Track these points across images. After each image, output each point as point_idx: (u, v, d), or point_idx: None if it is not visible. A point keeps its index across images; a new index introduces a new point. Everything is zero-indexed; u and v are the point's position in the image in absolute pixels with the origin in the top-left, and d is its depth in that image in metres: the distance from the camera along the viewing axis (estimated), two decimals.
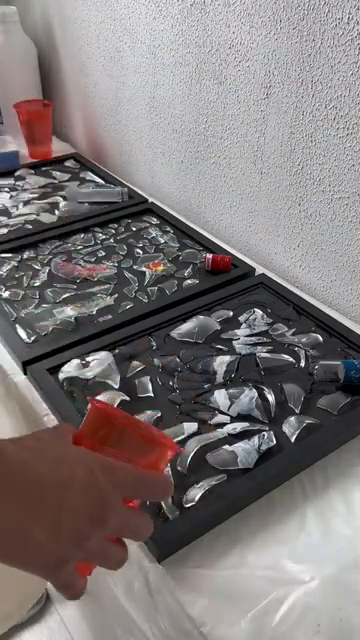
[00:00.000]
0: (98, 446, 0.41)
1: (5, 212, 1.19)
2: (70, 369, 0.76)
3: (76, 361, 0.77)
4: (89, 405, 0.44)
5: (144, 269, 1.00)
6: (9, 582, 0.97)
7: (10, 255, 1.04)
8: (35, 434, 0.41)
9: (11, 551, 0.35)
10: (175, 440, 0.67)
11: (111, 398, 0.72)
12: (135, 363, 0.78)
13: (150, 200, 1.23)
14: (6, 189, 1.29)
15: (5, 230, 1.12)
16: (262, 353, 0.80)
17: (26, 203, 1.23)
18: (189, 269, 1.00)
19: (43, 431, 0.42)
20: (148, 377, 0.76)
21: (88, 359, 0.77)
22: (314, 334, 0.84)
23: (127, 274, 0.99)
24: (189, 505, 0.59)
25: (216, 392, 0.73)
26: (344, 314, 0.93)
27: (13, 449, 0.36)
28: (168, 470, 0.63)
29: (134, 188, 1.28)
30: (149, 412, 0.70)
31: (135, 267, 1.01)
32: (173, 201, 1.27)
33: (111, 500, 0.38)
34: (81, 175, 1.36)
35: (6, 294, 0.93)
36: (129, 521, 0.40)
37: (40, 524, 0.35)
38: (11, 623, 1.11)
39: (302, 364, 0.79)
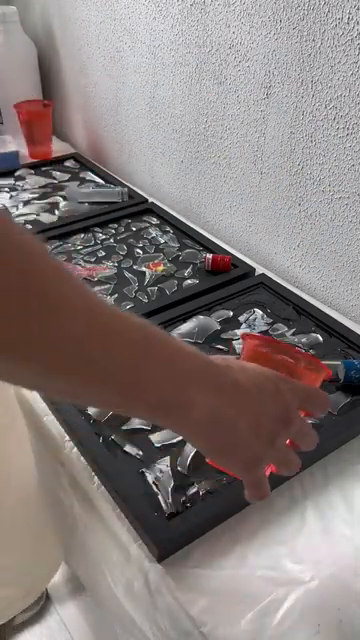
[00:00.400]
0: None
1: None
2: None
3: None
4: (246, 340, 0.51)
5: (144, 269, 1.00)
6: (17, 568, 0.97)
7: None
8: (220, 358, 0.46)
9: (223, 443, 0.42)
10: (175, 440, 0.67)
11: None
12: None
13: (150, 200, 1.23)
14: (6, 189, 1.29)
15: None
16: None
17: (26, 203, 1.23)
18: (189, 269, 1.00)
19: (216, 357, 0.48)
20: None
21: None
22: (314, 334, 0.84)
23: (127, 274, 0.99)
24: (189, 505, 0.59)
25: None
26: (344, 314, 0.93)
27: (219, 361, 0.43)
28: None
29: (134, 188, 1.29)
30: None
31: (135, 267, 1.01)
32: (173, 201, 1.27)
33: (292, 405, 0.44)
34: (81, 175, 1.36)
35: None
36: (304, 426, 0.46)
37: (246, 421, 0.41)
38: (14, 612, 1.10)
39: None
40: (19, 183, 1.32)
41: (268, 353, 0.49)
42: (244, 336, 0.50)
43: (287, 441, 0.45)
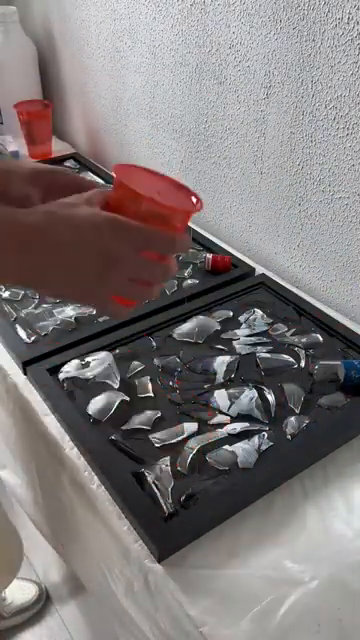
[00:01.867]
0: (119, 209, 0.48)
1: None
2: (70, 369, 0.76)
3: (76, 361, 0.77)
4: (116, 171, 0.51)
5: None
6: None
7: None
8: (62, 199, 0.48)
9: (48, 292, 0.50)
10: (175, 440, 0.67)
11: (111, 399, 0.72)
12: (135, 363, 0.78)
13: None
14: None
15: None
16: (262, 353, 0.80)
17: None
18: (189, 269, 1.00)
19: (72, 197, 0.49)
20: (148, 377, 0.76)
21: (88, 359, 0.77)
22: (314, 334, 0.84)
23: None
24: (189, 505, 0.59)
25: (216, 392, 0.73)
26: (344, 314, 0.93)
27: (39, 218, 0.44)
28: None
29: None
30: (149, 412, 0.70)
31: None
32: None
33: (119, 251, 0.46)
34: (81, 175, 1.36)
35: (6, 294, 0.93)
36: (143, 266, 0.48)
37: (62, 273, 0.45)
38: None
39: (302, 364, 0.79)
40: None
41: (133, 191, 0.49)
42: (115, 166, 0.52)
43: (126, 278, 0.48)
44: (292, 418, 0.70)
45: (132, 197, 0.48)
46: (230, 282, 0.96)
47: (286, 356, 0.80)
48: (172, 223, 0.49)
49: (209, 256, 0.99)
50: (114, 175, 0.50)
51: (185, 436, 0.67)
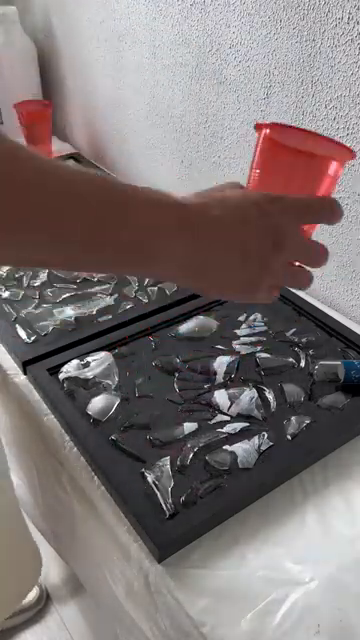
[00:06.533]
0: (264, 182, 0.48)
1: None
2: (70, 369, 0.76)
3: (76, 361, 0.77)
4: (261, 131, 0.48)
5: None
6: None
7: None
8: (207, 191, 0.46)
9: (209, 282, 0.43)
10: (175, 440, 0.67)
11: (111, 399, 0.72)
12: (135, 363, 0.78)
13: None
14: None
15: None
16: (262, 353, 0.80)
17: None
18: None
19: (208, 189, 0.48)
20: (148, 377, 0.76)
21: (88, 359, 0.77)
22: (314, 334, 0.84)
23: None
24: (189, 505, 0.59)
25: (216, 392, 0.73)
26: (344, 314, 0.93)
27: (194, 200, 0.42)
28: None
29: None
30: (149, 412, 0.70)
31: None
32: None
33: (285, 227, 0.44)
34: None
35: (6, 294, 0.93)
36: (305, 246, 0.46)
37: (229, 256, 0.42)
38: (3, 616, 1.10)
39: (302, 364, 0.79)
40: None
41: (282, 144, 0.47)
42: (259, 126, 0.48)
43: (290, 261, 0.47)
44: (292, 418, 0.70)
45: (282, 157, 0.47)
46: None
47: (286, 356, 0.80)
48: (325, 185, 0.47)
49: None
50: (259, 135, 0.48)
51: (185, 436, 0.67)
